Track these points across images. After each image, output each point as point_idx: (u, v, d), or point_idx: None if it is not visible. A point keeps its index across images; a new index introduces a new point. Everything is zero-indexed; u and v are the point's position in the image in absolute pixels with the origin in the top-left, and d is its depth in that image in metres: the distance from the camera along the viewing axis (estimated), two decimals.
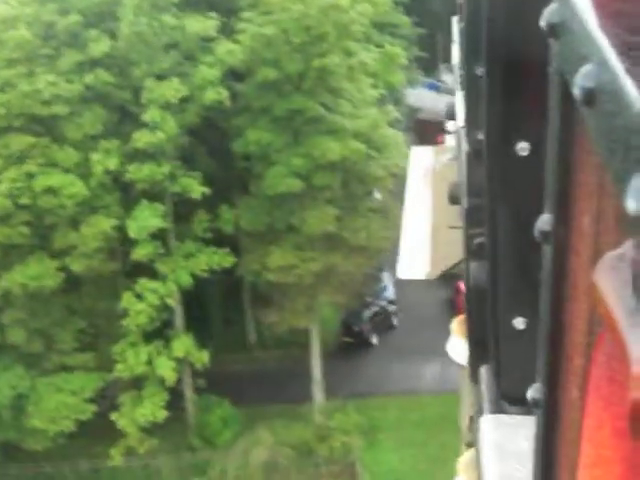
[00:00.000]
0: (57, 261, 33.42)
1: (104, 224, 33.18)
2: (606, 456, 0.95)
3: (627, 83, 0.83)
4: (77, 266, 33.37)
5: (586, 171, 1.16)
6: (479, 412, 3.00)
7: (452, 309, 44.01)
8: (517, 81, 2.16)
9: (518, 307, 2.50)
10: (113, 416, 34.11)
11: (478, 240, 3.09)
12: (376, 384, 39.82)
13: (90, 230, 32.98)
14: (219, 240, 36.05)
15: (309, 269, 35.08)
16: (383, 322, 43.20)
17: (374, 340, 42.69)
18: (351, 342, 42.12)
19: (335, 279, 36.46)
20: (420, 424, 37.32)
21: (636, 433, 0.78)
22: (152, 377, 34.09)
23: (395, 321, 44.01)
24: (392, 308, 44.12)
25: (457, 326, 6.33)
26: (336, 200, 35.70)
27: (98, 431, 34.49)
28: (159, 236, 34.58)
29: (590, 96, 0.92)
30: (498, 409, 2.83)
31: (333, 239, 35.69)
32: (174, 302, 35.16)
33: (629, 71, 0.84)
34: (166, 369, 33.77)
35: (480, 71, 2.58)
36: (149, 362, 34.12)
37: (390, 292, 45.45)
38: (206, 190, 34.25)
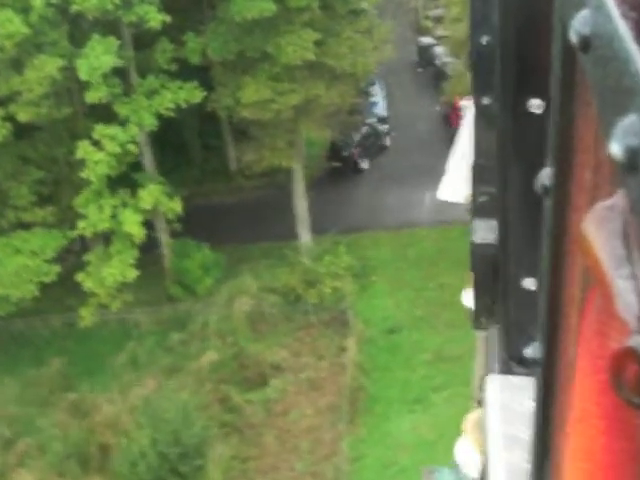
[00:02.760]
0: (1, 110, 29.37)
1: (50, 65, 28.79)
2: (590, 411, 0.97)
3: (622, 28, 0.83)
4: (23, 115, 29.38)
5: (585, 123, 1.16)
6: (489, 371, 3.06)
7: (447, 125, 40.35)
8: (530, 37, 2.09)
9: (528, 268, 2.42)
10: (79, 277, 31.18)
11: (483, 199, 3.08)
12: (368, 217, 36.71)
13: (35, 74, 28.67)
14: (187, 74, 31.76)
15: (288, 102, 31.00)
16: (374, 144, 39.46)
17: (365, 165, 39.14)
18: (340, 167, 38.55)
19: (318, 112, 32.43)
20: (417, 263, 34.56)
21: (617, 386, 0.78)
22: (119, 233, 30.87)
23: (387, 141, 40.25)
24: (383, 127, 40.22)
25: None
26: (316, 22, 31.03)
27: (71, 283, 31.82)
28: (119, 73, 30.33)
29: (586, 42, 0.93)
30: (507, 370, 2.85)
31: (314, 67, 31.33)
32: (137, 149, 31.34)
33: (624, 16, 0.84)
34: (132, 225, 30.46)
35: (484, 39, 2.71)
36: (114, 216, 30.80)
37: (381, 108, 41.41)
38: (167, 18, 29.63)
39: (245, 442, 28.82)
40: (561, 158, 1.24)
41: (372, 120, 40.11)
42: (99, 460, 28.61)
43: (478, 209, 3.15)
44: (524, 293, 2.50)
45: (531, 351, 1.60)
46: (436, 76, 41.87)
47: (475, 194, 3.18)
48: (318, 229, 35.09)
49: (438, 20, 41.95)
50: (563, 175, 1.25)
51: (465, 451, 4.08)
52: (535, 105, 2.18)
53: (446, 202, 36.90)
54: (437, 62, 42.32)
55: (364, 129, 39.17)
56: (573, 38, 0.95)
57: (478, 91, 2.94)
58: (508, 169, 2.44)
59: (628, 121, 0.77)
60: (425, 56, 44.23)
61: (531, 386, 1.58)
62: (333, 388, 30.32)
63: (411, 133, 40.44)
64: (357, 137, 38.70)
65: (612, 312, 0.82)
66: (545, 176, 1.30)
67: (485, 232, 3.02)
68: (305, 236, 35.00)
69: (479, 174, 3.16)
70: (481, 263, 3.15)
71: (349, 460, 27.76)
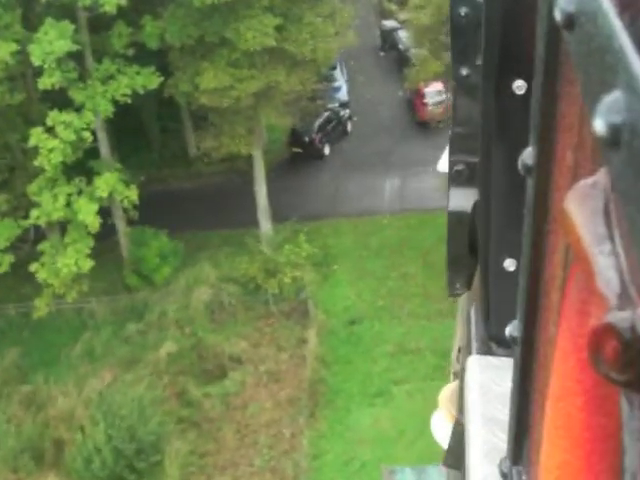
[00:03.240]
0: None
1: (3, 50, 27.85)
2: (570, 388, 0.99)
3: (605, 4, 0.83)
4: None
5: (568, 102, 1.18)
6: (468, 351, 3.02)
7: (411, 111, 39.88)
8: (515, 17, 2.12)
9: (509, 249, 2.47)
10: (32, 267, 30.35)
11: (459, 167, 3.10)
12: (329, 204, 36.18)
13: None
14: (145, 59, 30.92)
15: (247, 89, 30.30)
16: (335, 129, 38.86)
17: (326, 150, 38.55)
18: (301, 153, 37.92)
19: (278, 98, 31.75)
20: (379, 252, 34.12)
21: (596, 362, 0.79)
22: (74, 222, 30.06)
23: (349, 127, 39.67)
24: (345, 112, 39.62)
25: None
26: (276, 7, 30.31)
27: (26, 272, 30.99)
28: (75, 57, 29.43)
29: (571, 19, 0.93)
30: (486, 350, 2.84)
31: (274, 53, 30.64)
32: (92, 136, 30.48)
33: None
34: (88, 214, 29.65)
35: (463, 11, 2.75)
36: (69, 204, 29.97)
37: (343, 93, 40.79)
38: (123, 1, 28.74)
39: (203, 437, 28.33)
40: (543, 137, 1.25)
41: (334, 105, 39.48)
42: (54, 455, 27.98)
43: (454, 177, 3.14)
44: (504, 274, 2.50)
45: (510, 331, 1.54)
46: (399, 60, 41.31)
47: (452, 162, 3.17)
48: (279, 217, 34.51)
49: (402, 3, 41.28)
50: (545, 154, 1.26)
51: (440, 424, 4.01)
52: (518, 86, 2.19)
53: (410, 187, 36.43)
54: (400, 46, 41.72)
55: (325, 114, 38.52)
56: (558, 16, 0.95)
57: (457, 61, 2.92)
58: (491, 149, 2.44)
59: (612, 98, 0.77)
60: (388, 40, 43.56)
61: (510, 366, 1.59)
62: (293, 381, 29.89)
63: (373, 118, 39.89)
64: (318, 122, 38.07)
65: (593, 289, 0.83)
66: (527, 155, 1.30)
67: (460, 200, 3.05)
68: (265, 224, 34.42)
69: (457, 143, 3.15)
70: (456, 230, 3.20)
71: (309, 456, 27.39)
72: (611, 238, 0.84)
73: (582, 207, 0.89)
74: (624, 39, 0.78)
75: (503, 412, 2.34)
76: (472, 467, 2.51)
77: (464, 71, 2.88)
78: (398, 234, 34.58)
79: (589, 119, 0.82)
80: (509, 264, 2.50)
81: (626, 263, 0.81)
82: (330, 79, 39.77)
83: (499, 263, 2.52)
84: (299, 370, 30.13)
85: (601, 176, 0.89)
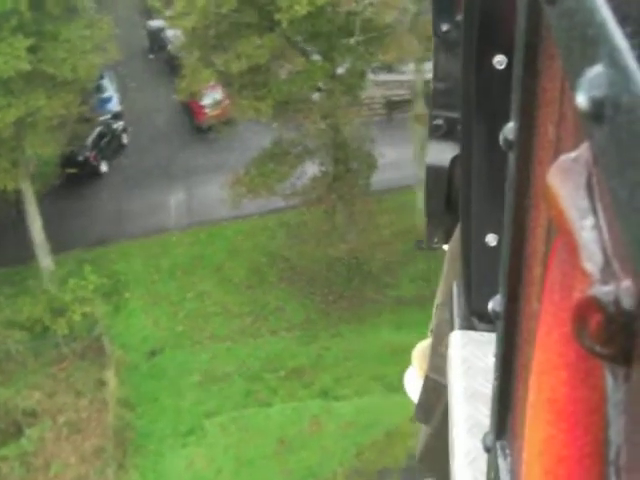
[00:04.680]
0: None
1: None
2: (554, 362, 0.99)
3: None
4: None
5: (549, 76, 1.18)
6: (450, 326, 2.99)
7: (189, 116, 37.94)
8: None
9: (491, 224, 2.48)
10: None
11: (438, 122, 3.12)
12: (113, 226, 33.85)
13: None
14: None
15: (5, 119, 27.52)
16: (111, 143, 36.43)
17: (103, 167, 36.09)
18: (76, 173, 35.26)
19: (42, 125, 29.07)
20: (171, 272, 32.24)
21: (580, 335, 0.80)
22: None
23: (125, 139, 37.32)
24: (119, 124, 37.21)
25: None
26: (27, 26, 27.58)
27: None
28: None
29: None
30: (468, 325, 2.84)
31: (31, 77, 27.93)
32: None
33: None
34: None
35: None
36: None
37: (114, 103, 38.30)
38: None
39: None
40: (524, 112, 1.25)
41: (106, 117, 36.98)
42: None
43: (433, 131, 3.14)
44: (486, 249, 2.51)
45: (493, 306, 1.48)
46: (169, 62, 39.13)
47: (432, 117, 3.16)
48: (60, 247, 31.89)
49: (168, 1, 39.09)
50: (527, 129, 1.25)
51: (412, 380, 3.89)
52: (498, 61, 2.20)
53: (195, 199, 34.51)
54: (169, 47, 39.57)
55: (98, 129, 36.00)
56: None
57: (437, 17, 2.94)
58: (472, 124, 2.43)
59: (594, 72, 0.77)
60: (156, 41, 41.31)
61: (493, 341, 1.55)
62: (97, 429, 27.68)
63: (150, 127, 37.72)
64: (91, 138, 35.52)
65: (576, 264, 0.83)
66: (509, 131, 1.29)
67: (439, 155, 3.10)
68: (45, 260, 31.74)
69: (437, 98, 3.15)
70: (433, 185, 3.20)
71: None
72: (594, 212, 0.84)
73: (565, 181, 0.88)
74: (606, 13, 0.77)
75: (486, 387, 2.40)
76: (456, 442, 2.45)
77: (444, 27, 2.88)
78: (189, 251, 32.83)
79: (571, 94, 0.82)
80: (491, 239, 2.50)
81: (609, 237, 0.81)
82: (99, 90, 37.14)
83: (481, 238, 2.51)
84: (102, 416, 27.95)
85: (583, 150, 0.89)
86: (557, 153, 1.11)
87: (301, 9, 26.36)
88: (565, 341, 0.95)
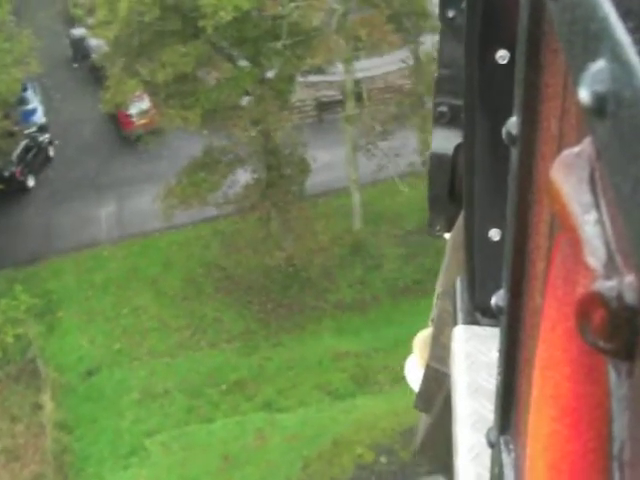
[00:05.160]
0: None
1: None
2: (557, 358, 0.99)
3: None
4: None
5: (552, 71, 1.18)
6: (452, 316, 3.01)
7: (116, 125, 37.06)
8: None
9: (494, 219, 2.49)
10: None
11: (443, 108, 3.12)
12: (43, 242, 32.90)
13: None
14: None
15: None
16: (37, 157, 35.41)
17: (30, 182, 35.07)
18: (2, 190, 34.18)
19: None
20: (105, 288, 31.44)
21: (583, 330, 0.80)
22: None
23: (51, 152, 36.32)
24: (45, 137, 36.20)
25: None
26: None
27: None
28: None
29: None
30: (471, 320, 2.83)
31: None
32: None
33: None
34: None
35: None
36: None
37: (39, 115, 37.24)
38: None
39: None
40: (527, 107, 1.25)
41: (31, 130, 35.93)
42: None
43: (437, 118, 3.13)
44: (490, 244, 2.51)
45: (496, 301, 1.48)
46: (94, 71, 38.13)
47: (436, 104, 3.15)
48: None
49: (90, 9, 38.17)
50: (529, 124, 1.26)
51: (413, 368, 3.82)
52: (501, 56, 2.21)
53: (125, 213, 33.74)
54: (93, 55, 38.59)
55: (23, 142, 34.95)
56: None
57: (443, 4, 2.90)
58: (475, 119, 2.43)
59: (596, 67, 0.77)
60: (80, 50, 40.22)
61: (497, 336, 1.54)
62: (35, 455, 26.84)
63: (76, 139, 36.75)
64: (17, 153, 34.47)
65: (579, 259, 0.83)
66: (511, 125, 1.29)
67: (443, 142, 3.08)
68: None
69: (442, 84, 3.12)
70: (437, 172, 3.19)
71: None
72: (597, 207, 0.84)
73: (568, 176, 0.88)
74: (608, 7, 0.77)
75: (490, 382, 2.42)
76: (460, 437, 2.44)
77: (450, 13, 2.86)
78: (122, 265, 32.05)
79: (573, 88, 0.82)
80: (494, 234, 2.50)
81: (612, 232, 0.81)
82: (22, 102, 36.06)
83: (484, 233, 2.51)
84: (40, 441, 27.12)
85: (586, 145, 0.89)
86: (560, 148, 1.11)
87: (226, 15, 25.82)
88: (569, 336, 0.94)
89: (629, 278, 0.76)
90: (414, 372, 3.84)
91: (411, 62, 31.26)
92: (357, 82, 32.60)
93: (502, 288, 1.47)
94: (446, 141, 3.07)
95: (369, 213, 31.61)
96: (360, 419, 24.98)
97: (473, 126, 2.46)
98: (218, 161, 29.15)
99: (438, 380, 3.22)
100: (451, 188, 3.16)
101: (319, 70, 32.44)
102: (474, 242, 2.61)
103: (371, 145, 30.22)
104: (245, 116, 28.38)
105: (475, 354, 2.68)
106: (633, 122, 0.70)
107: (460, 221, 3.03)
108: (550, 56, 1.18)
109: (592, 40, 0.79)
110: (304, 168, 29.85)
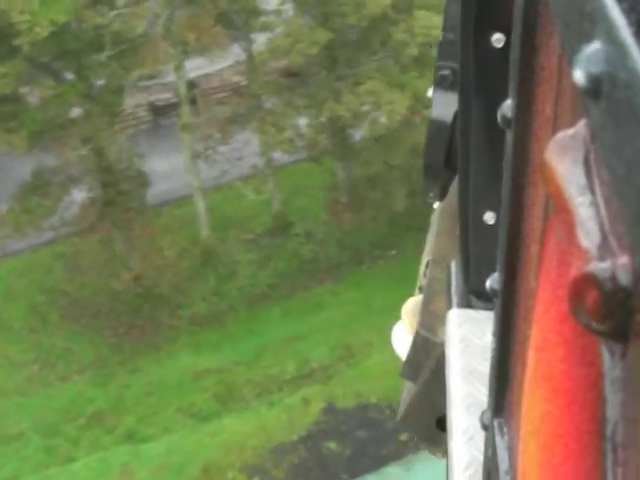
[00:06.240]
0: None
1: None
2: (551, 339, 0.99)
3: None
4: None
5: (547, 53, 1.19)
6: (442, 283, 3.09)
7: None
8: None
9: (489, 202, 2.50)
10: None
11: (445, 72, 3.11)
12: None
13: None
14: None
15: None
16: None
17: None
18: None
19: None
20: None
21: (577, 312, 0.81)
22: None
23: None
24: None
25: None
26: None
27: None
28: None
29: None
30: (466, 303, 2.86)
31: None
32: None
33: None
34: None
35: None
36: None
37: None
38: None
39: None
40: (522, 90, 1.25)
41: None
42: None
43: (439, 82, 3.13)
44: (484, 227, 2.52)
45: (491, 284, 1.48)
46: None
47: (439, 67, 3.13)
48: None
49: None
50: (524, 106, 1.25)
51: (400, 336, 3.74)
52: (496, 39, 2.21)
53: None
54: None
55: None
56: None
57: None
58: (470, 102, 2.44)
59: (592, 48, 0.77)
60: None
61: (490, 319, 1.54)
62: None
63: None
64: None
65: (573, 241, 0.84)
66: (507, 108, 1.29)
67: (443, 109, 3.06)
68: None
69: (445, 48, 3.10)
70: (434, 139, 3.18)
71: None
72: (592, 189, 0.84)
73: (562, 158, 0.88)
74: None
75: (484, 365, 2.39)
76: (454, 420, 2.44)
77: None
78: None
79: (568, 70, 0.82)
80: (489, 217, 2.50)
81: (606, 214, 0.82)
82: None
83: (479, 216, 2.51)
84: None
85: (581, 127, 0.88)
86: (555, 130, 1.10)
87: (42, 31, 24.21)
88: (562, 318, 0.95)
89: (623, 259, 0.76)
90: (402, 340, 3.83)
91: (244, 59, 30.32)
92: (191, 83, 31.43)
93: (497, 271, 1.46)
94: (446, 107, 3.02)
95: (216, 219, 30.62)
96: (228, 440, 24.20)
97: (469, 109, 2.45)
98: (49, 183, 27.48)
99: (427, 348, 3.21)
100: (447, 155, 3.12)
101: (151, 74, 31.07)
102: (469, 225, 2.59)
103: (211, 150, 29.21)
104: (74, 134, 26.81)
105: (469, 337, 2.67)
106: (628, 104, 0.68)
107: (453, 189, 3.08)
108: (545, 38, 1.17)
109: (587, 21, 0.78)
110: (142, 182, 28.57)
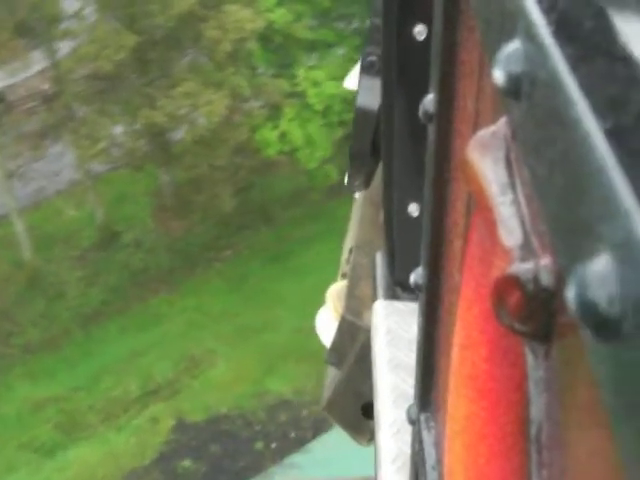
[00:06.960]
0: None
1: None
2: (474, 338, 0.98)
3: None
4: None
5: (468, 49, 1.17)
6: (366, 269, 3.03)
7: None
8: None
9: (413, 194, 2.48)
10: None
11: (371, 58, 3.07)
12: None
13: None
14: None
15: None
16: None
17: None
18: None
19: None
20: None
21: (499, 313, 0.80)
22: None
23: None
24: None
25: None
26: None
27: None
28: None
29: None
30: (392, 295, 2.82)
31: None
32: None
33: None
34: None
35: None
36: None
37: None
38: None
39: None
40: (443, 84, 1.22)
41: None
42: None
43: (366, 67, 3.07)
44: (409, 219, 2.48)
45: (415, 278, 1.47)
46: None
47: (367, 53, 3.07)
48: None
49: None
50: (446, 102, 1.23)
51: (325, 321, 3.76)
52: (418, 31, 2.17)
53: None
54: None
55: None
56: None
57: None
58: (392, 95, 2.39)
59: (511, 47, 0.75)
60: None
61: (417, 312, 1.50)
62: None
63: None
64: None
65: (495, 239, 0.83)
66: (428, 102, 1.27)
67: (369, 95, 3.01)
68: None
69: (374, 34, 3.00)
70: (361, 126, 3.12)
71: None
72: (513, 187, 0.83)
73: (483, 157, 0.87)
74: None
75: (410, 357, 2.35)
76: (381, 412, 2.41)
77: None
78: None
79: (489, 67, 0.81)
80: (413, 209, 2.46)
81: (528, 212, 0.81)
82: None
83: (403, 208, 2.47)
84: None
85: (502, 125, 0.88)
86: (476, 126, 1.09)
87: None
88: (485, 317, 0.93)
89: (545, 260, 0.75)
90: (326, 325, 3.76)
91: (49, 66, 28.80)
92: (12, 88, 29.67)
93: (421, 265, 1.43)
94: (372, 94, 2.95)
95: (38, 239, 29.13)
96: (77, 474, 23.23)
97: (391, 102, 2.42)
98: None
99: (352, 333, 3.18)
100: (373, 144, 3.07)
101: None
102: (393, 217, 2.56)
103: (24, 168, 27.73)
104: None
105: (396, 329, 2.64)
106: (547, 104, 0.67)
107: (378, 177, 3.05)
108: (467, 33, 1.14)
109: (507, 20, 0.77)
110: None
